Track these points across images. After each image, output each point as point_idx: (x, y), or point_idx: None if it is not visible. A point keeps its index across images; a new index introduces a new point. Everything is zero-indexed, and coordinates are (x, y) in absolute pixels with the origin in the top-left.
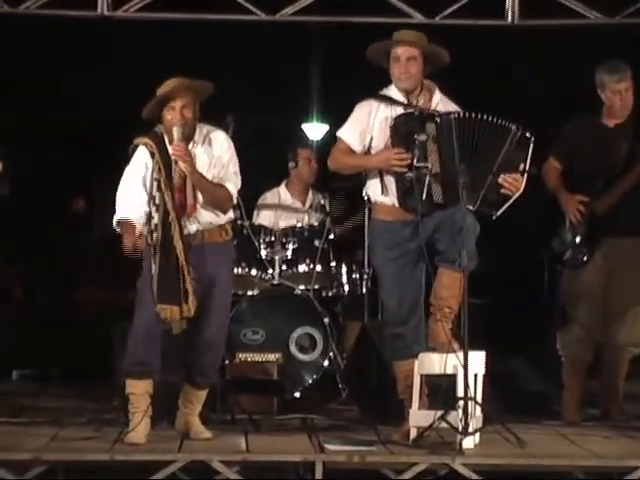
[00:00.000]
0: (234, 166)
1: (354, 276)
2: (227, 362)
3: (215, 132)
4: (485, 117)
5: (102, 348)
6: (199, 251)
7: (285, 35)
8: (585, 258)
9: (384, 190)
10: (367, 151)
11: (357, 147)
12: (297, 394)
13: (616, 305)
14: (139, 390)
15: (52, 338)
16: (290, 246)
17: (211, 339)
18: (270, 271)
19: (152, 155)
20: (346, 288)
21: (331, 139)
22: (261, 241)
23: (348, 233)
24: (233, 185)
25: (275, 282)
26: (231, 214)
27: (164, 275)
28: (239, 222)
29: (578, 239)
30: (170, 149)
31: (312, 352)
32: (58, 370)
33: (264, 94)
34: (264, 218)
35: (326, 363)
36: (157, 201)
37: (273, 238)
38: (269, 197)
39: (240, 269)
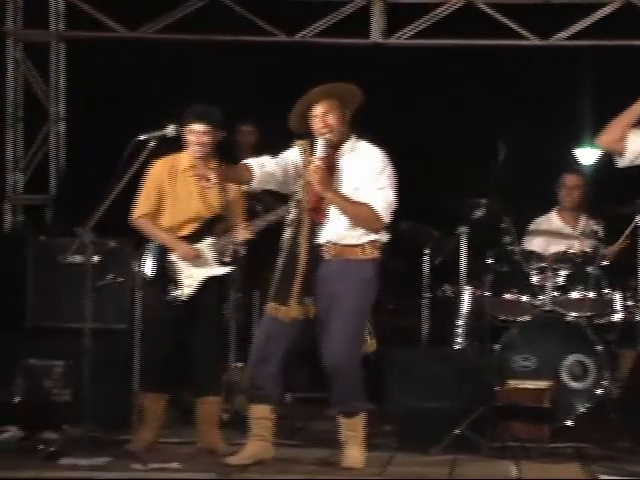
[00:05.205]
0: (383, 182)
1: (628, 303)
2: (497, 388)
3: (365, 145)
4: None
5: None
6: (326, 265)
7: (555, 60)
8: None
9: None
10: None
11: None
12: (569, 422)
13: None
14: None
15: None
16: (562, 272)
17: (331, 361)
18: (541, 297)
19: (304, 152)
20: (620, 315)
21: (603, 164)
22: (532, 267)
23: (620, 257)
24: (381, 202)
25: (546, 308)
26: (377, 235)
27: (283, 273)
28: (509, 247)
29: None
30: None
31: (584, 380)
32: None
33: (535, 119)
34: (535, 244)
35: (599, 392)
36: (298, 197)
37: (544, 264)
38: (540, 222)
39: (510, 295)
